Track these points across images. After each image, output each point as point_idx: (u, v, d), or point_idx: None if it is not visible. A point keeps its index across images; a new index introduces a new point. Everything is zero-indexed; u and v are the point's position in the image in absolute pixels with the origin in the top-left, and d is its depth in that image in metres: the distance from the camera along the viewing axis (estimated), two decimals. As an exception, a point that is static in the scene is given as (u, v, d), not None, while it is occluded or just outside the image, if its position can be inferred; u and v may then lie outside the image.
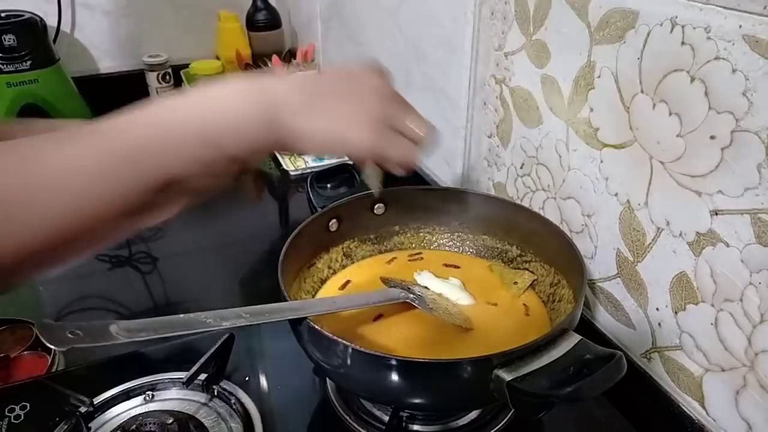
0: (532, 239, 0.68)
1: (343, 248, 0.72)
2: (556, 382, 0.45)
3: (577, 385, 0.43)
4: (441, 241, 0.75)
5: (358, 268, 0.72)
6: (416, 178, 0.96)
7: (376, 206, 0.72)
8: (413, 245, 0.75)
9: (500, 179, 0.77)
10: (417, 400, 0.52)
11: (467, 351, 0.58)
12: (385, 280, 0.63)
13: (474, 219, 0.73)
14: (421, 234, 0.75)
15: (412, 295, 0.61)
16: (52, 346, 0.40)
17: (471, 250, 0.74)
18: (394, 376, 0.49)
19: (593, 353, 0.47)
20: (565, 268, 0.63)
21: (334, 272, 0.71)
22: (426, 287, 0.65)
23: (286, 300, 0.54)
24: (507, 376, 0.46)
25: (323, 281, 0.69)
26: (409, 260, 0.73)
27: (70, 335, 0.41)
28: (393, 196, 0.73)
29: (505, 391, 0.45)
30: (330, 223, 0.69)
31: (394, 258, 0.73)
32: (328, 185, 0.86)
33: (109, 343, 0.43)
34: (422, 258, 0.73)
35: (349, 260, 0.72)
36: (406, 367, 0.49)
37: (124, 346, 0.75)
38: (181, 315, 0.47)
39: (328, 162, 1.18)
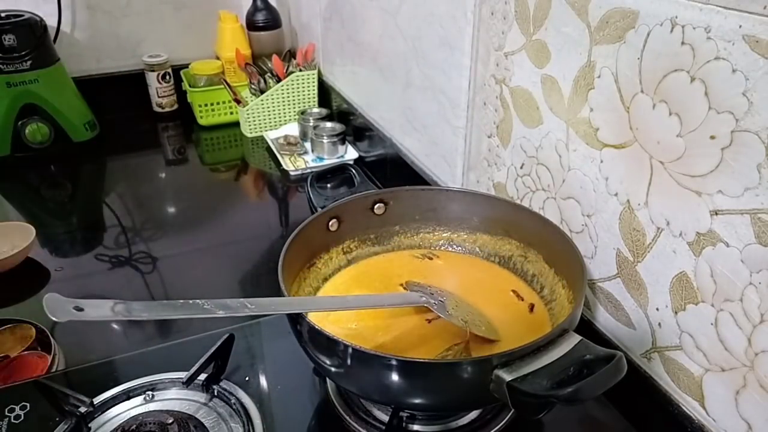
0: (532, 239, 0.68)
1: (343, 248, 0.72)
2: (556, 382, 0.45)
3: (577, 385, 0.43)
4: (441, 241, 0.75)
5: (358, 268, 0.72)
6: (416, 178, 0.96)
7: (376, 206, 0.72)
8: (413, 245, 0.76)
9: (500, 179, 0.77)
10: (417, 401, 0.52)
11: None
12: (410, 284, 0.61)
13: (474, 219, 0.73)
14: (421, 234, 0.75)
15: (432, 301, 0.59)
16: (54, 318, 0.41)
17: (471, 249, 0.74)
18: (395, 377, 0.49)
19: (593, 353, 0.47)
20: (565, 268, 0.63)
21: (334, 272, 0.71)
22: (450, 293, 0.64)
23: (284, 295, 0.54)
24: (507, 376, 0.46)
25: (324, 280, 0.69)
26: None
27: (74, 309, 0.42)
28: (393, 196, 0.73)
29: (505, 391, 0.45)
30: (330, 223, 0.69)
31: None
32: (328, 185, 0.87)
33: (111, 319, 0.44)
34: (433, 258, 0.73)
35: (349, 260, 0.73)
36: (406, 367, 0.49)
37: (125, 346, 0.76)
38: (182, 300, 0.47)
39: (329, 162, 1.18)
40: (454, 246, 0.75)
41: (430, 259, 0.73)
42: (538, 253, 0.67)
